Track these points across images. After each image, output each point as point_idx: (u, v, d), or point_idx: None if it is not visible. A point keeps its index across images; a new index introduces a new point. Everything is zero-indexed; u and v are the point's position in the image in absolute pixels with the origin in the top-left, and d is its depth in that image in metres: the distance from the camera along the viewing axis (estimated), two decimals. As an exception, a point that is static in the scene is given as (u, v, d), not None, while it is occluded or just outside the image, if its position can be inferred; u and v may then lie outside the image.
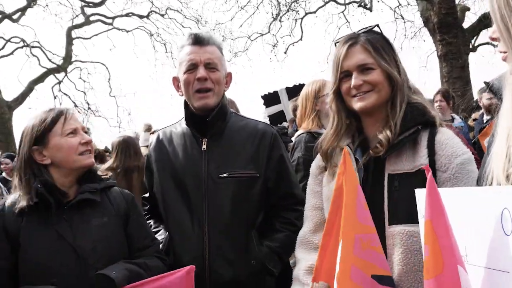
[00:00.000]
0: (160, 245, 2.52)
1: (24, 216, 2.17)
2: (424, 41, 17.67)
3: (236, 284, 2.46)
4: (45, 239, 2.13)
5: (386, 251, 1.81)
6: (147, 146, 7.42)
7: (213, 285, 2.45)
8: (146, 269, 2.23)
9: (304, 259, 2.14)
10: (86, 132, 2.34)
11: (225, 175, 2.50)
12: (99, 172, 2.85)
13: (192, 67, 2.52)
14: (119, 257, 2.23)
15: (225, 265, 2.46)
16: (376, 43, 1.99)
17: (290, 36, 19.49)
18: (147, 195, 2.84)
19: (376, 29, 2.09)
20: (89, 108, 21.68)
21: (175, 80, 2.67)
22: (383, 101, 1.97)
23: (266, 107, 10.24)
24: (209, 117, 2.53)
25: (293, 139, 4.25)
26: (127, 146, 5.21)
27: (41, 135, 2.23)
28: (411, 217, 1.62)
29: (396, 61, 2.00)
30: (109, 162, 5.18)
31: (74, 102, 21.24)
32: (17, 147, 2.38)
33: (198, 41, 2.53)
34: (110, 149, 5.99)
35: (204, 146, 2.57)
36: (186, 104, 2.64)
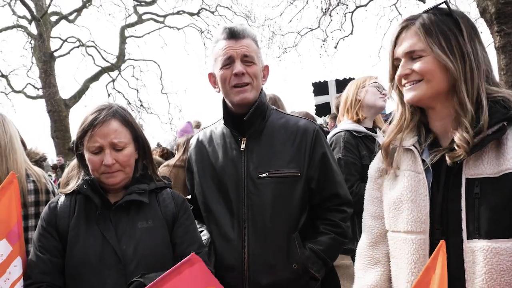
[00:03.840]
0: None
1: (73, 215, 2.16)
2: (481, 32, 16.85)
3: None
4: (90, 239, 2.10)
5: (463, 269, 1.57)
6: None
7: None
8: None
9: (362, 278, 1.94)
10: (118, 149, 2.14)
11: (264, 175, 2.41)
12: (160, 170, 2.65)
13: (228, 62, 2.43)
14: (160, 263, 2.11)
15: (265, 269, 2.36)
16: (433, 25, 1.68)
17: (340, 30, 19.04)
18: (189, 196, 2.77)
19: (443, 6, 1.74)
20: (141, 105, 22.28)
21: (211, 76, 2.59)
22: (438, 93, 1.70)
23: (315, 96, 10.13)
24: (246, 117, 2.44)
25: (328, 137, 4.06)
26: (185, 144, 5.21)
27: (78, 142, 2.21)
28: (496, 231, 1.44)
29: (462, 47, 1.65)
30: (175, 158, 5.19)
31: (127, 100, 21.89)
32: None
33: (232, 34, 2.43)
34: (161, 145, 6.06)
35: (243, 146, 2.48)
36: (224, 103, 2.56)
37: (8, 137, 3.00)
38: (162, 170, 4.83)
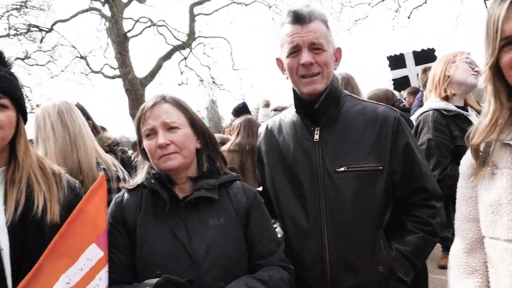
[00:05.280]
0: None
1: (139, 211, 2.06)
2: None
3: None
4: (160, 237, 1.98)
5: None
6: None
7: None
8: (271, 284, 1.95)
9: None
10: (172, 130, 2.04)
11: (342, 169, 2.18)
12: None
13: (294, 50, 2.20)
14: (236, 264, 2.00)
15: (348, 271, 2.18)
16: None
17: (413, -1, 18.10)
18: (260, 188, 2.59)
19: None
20: (213, 82, 22.50)
21: (279, 62, 2.36)
22: None
23: (391, 70, 9.64)
24: (316, 105, 2.21)
25: (413, 118, 3.74)
26: (250, 125, 5.04)
27: (138, 135, 2.14)
28: None
29: None
30: (230, 142, 5.04)
31: (199, 77, 22.20)
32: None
33: (298, 19, 2.18)
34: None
35: (316, 136, 2.26)
36: (294, 89, 2.33)
37: (77, 126, 2.99)
38: None
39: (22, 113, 1.99)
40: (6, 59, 1.98)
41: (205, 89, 22.89)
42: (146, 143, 2.06)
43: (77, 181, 2.19)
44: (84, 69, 21.83)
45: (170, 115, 2.04)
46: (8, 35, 19.54)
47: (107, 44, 20.89)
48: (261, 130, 2.57)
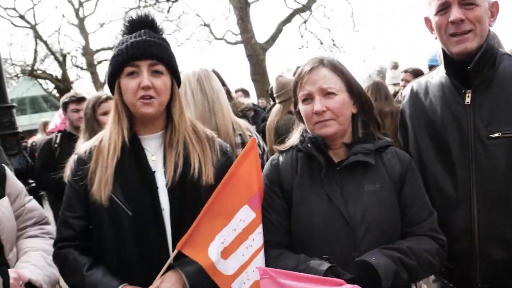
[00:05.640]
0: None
1: (295, 173, 2.09)
2: None
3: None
4: (316, 201, 2.01)
5: None
6: (394, 84, 7.05)
7: (483, 264, 2.10)
8: (410, 254, 1.90)
9: None
10: (329, 96, 2.02)
11: (496, 135, 2.03)
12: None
13: (443, 7, 2.06)
14: (391, 229, 1.98)
15: (499, 243, 2.07)
16: None
17: None
18: None
19: None
20: (334, 44, 22.08)
21: (427, 21, 2.22)
22: None
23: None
24: (471, 65, 2.05)
25: None
26: (378, 89, 4.88)
27: (294, 98, 2.17)
28: None
29: None
30: None
31: (319, 40, 21.90)
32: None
33: None
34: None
35: (468, 100, 2.11)
36: (443, 49, 2.19)
37: (215, 93, 3.08)
38: None
39: (175, 78, 2.09)
40: (158, 25, 2.08)
41: (325, 52, 22.53)
42: (302, 108, 2.08)
43: (228, 145, 2.27)
44: (207, 37, 22.67)
45: (328, 80, 2.02)
46: (138, 7, 20.90)
47: (229, 10, 21.38)
48: (406, 92, 2.46)
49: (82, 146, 2.17)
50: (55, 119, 6.33)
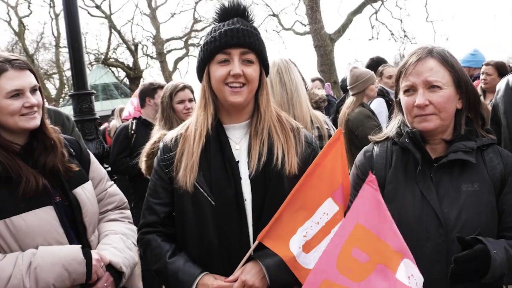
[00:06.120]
0: None
1: (389, 167, 2.04)
2: None
3: None
4: (409, 197, 1.95)
5: None
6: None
7: None
8: None
9: None
10: (433, 89, 1.93)
11: None
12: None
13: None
14: (485, 233, 1.86)
15: None
16: None
17: None
18: None
19: None
20: (405, 35, 21.44)
21: None
22: None
23: None
24: None
25: None
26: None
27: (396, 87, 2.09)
28: None
29: None
30: None
31: (390, 31, 21.33)
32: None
33: None
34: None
35: None
36: None
37: (294, 85, 3.02)
38: None
39: (264, 67, 2.06)
40: (250, 14, 2.04)
41: (396, 43, 21.86)
42: (403, 98, 2.00)
43: (313, 136, 2.23)
44: (276, 27, 22.58)
45: (434, 73, 1.92)
46: (209, -2, 21.14)
47: (299, 0, 21.19)
48: (500, 87, 2.28)
49: (168, 134, 2.19)
50: (128, 107, 6.48)
